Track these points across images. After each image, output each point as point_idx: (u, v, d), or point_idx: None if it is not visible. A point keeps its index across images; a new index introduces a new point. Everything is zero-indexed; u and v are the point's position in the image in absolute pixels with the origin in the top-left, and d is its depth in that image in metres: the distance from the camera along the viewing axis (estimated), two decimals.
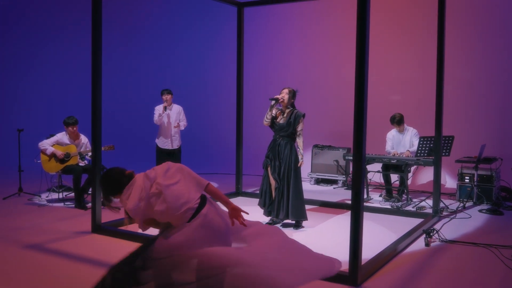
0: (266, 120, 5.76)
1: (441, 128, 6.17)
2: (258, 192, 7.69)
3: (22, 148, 7.35)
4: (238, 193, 7.59)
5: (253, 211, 6.31)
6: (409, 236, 5.05)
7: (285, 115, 5.72)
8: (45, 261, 4.33)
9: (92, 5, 5.21)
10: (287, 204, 5.55)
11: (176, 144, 7.96)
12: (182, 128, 8.01)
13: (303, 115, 5.67)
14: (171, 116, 7.89)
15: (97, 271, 3.85)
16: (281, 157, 5.64)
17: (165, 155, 7.89)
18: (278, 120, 5.74)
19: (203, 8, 10.68)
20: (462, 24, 8.46)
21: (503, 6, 8.34)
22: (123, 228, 5.32)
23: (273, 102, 5.71)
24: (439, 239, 5.13)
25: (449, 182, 8.41)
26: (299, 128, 5.64)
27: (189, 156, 8.70)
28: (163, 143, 7.93)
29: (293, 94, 5.74)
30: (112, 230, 5.23)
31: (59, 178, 7.23)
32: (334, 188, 8.54)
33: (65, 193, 7.14)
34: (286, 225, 5.70)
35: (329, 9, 9.50)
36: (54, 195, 7.21)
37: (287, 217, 5.57)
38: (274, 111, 5.75)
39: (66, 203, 6.78)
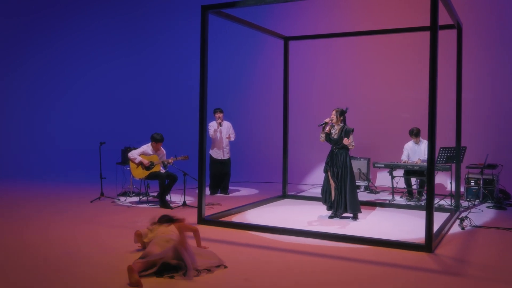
0: (321, 137, 7.15)
1: (460, 141, 7.74)
2: (299, 195, 9.10)
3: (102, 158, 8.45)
4: (284, 196, 8.91)
5: (296, 210, 7.89)
6: (447, 224, 6.50)
7: (337, 131, 7.11)
8: None
9: (201, 41, 6.59)
10: (344, 200, 6.93)
11: (226, 155, 9.24)
12: (232, 139, 9.28)
13: (352, 130, 7.08)
14: (222, 131, 9.18)
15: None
16: (338, 164, 7.01)
17: (217, 164, 9.18)
18: (332, 135, 7.13)
19: (253, 39, 11.99)
20: (472, 52, 10.08)
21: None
22: (223, 219, 6.60)
23: (323, 125, 7.10)
24: (470, 225, 6.61)
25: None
26: (350, 140, 7.00)
27: (237, 166, 10.08)
28: (216, 153, 9.20)
29: (340, 113, 7.13)
30: (213, 220, 6.49)
31: (141, 183, 8.38)
32: (357, 192, 9.94)
33: (139, 197, 8.27)
34: (343, 217, 7.06)
35: (356, 42, 10.93)
36: (129, 199, 8.32)
37: (345, 211, 6.95)
38: (327, 129, 7.14)
39: (150, 204, 7.93)
